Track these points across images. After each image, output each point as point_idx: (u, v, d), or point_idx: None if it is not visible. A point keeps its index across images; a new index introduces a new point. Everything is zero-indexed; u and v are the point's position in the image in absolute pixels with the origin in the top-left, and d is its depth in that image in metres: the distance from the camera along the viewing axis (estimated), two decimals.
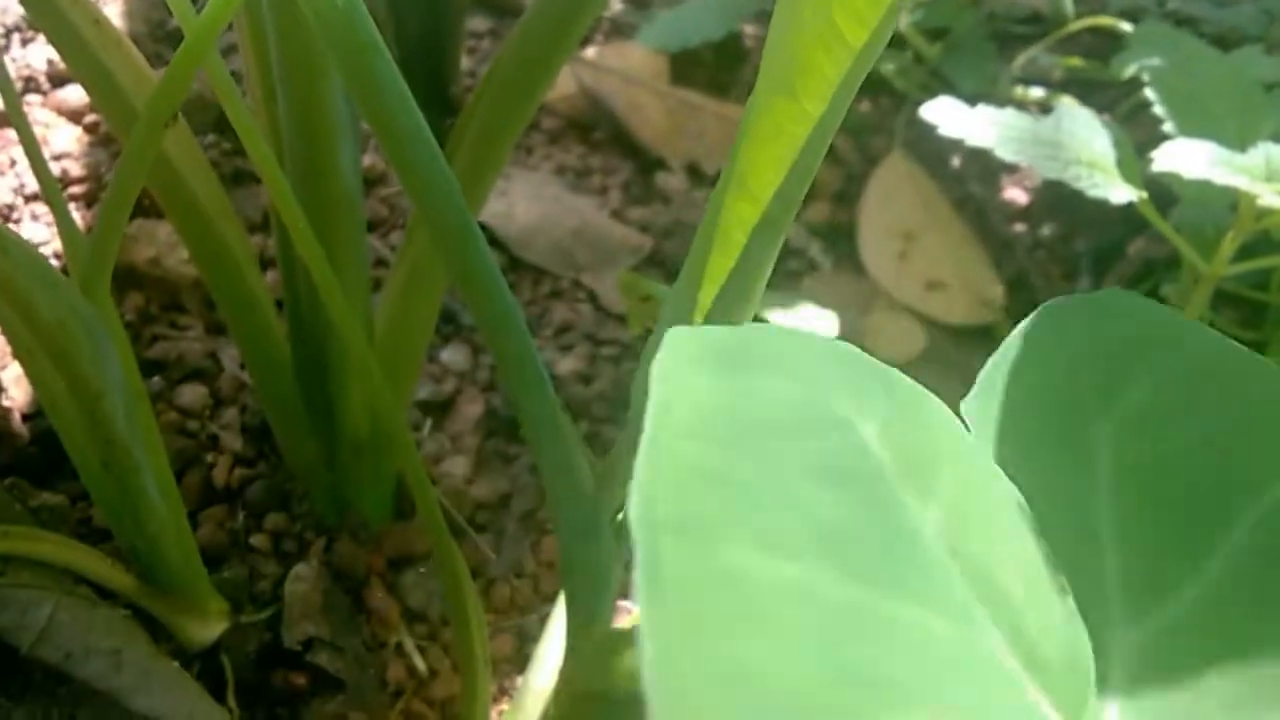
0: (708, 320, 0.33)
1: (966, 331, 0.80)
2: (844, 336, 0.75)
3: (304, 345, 0.58)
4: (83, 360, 0.42)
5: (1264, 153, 0.57)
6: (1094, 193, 0.60)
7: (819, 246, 0.85)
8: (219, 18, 0.34)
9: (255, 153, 0.38)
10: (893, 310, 0.81)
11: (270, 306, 0.56)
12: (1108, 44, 0.94)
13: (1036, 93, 0.91)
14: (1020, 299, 0.82)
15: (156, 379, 0.62)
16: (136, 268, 0.66)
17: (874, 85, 0.95)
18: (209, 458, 0.61)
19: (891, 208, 0.87)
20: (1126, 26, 0.89)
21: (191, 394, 0.62)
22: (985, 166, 0.90)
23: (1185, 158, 0.56)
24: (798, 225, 0.86)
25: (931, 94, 0.93)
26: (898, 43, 0.97)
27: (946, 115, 0.64)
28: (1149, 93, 0.64)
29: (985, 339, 0.80)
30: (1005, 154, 0.60)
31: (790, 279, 0.82)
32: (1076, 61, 0.91)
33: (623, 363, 0.74)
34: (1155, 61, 0.69)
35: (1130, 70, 0.71)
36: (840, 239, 0.85)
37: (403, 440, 0.48)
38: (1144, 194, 0.62)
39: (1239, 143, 0.59)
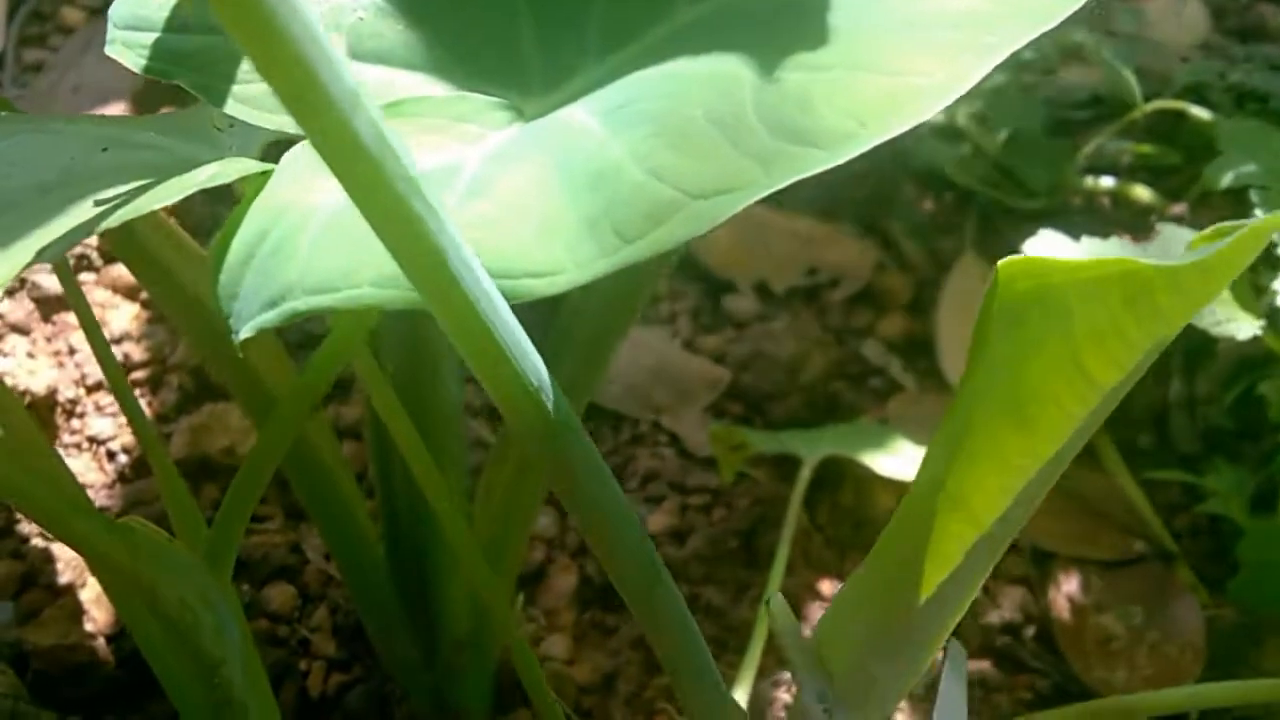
0: (917, 624, 0.30)
1: None
2: None
3: (399, 544, 0.55)
4: (204, 635, 0.39)
5: None
6: (1217, 330, 0.57)
7: (898, 364, 0.81)
8: (363, 324, 0.31)
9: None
10: None
11: (362, 508, 0.53)
12: (1170, 122, 0.91)
13: (1106, 183, 0.88)
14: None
15: (246, 587, 0.59)
16: (210, 458, 0.63)
17: (935, 182, 0.92)
18: (302, 665, 0.58)
19: (970, 316, 0.84)
20: (1196, 110, 0.86)
21: (279, 596, 0.59)
22: None
23: None
24: (874, 341, 0.83)
25: (999, 189, 0.90)
26: (954, 135, 0.94)
27: (1053, 251, 0.61)
28: (1258, 214, 0.61)
29: (1083, 456, 0.76)
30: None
31: (874, 400, 0.79)
32: (1148, 149, 0.88)
33: (714, 512, 0.70)
34: (1251, 169, 0.66)
35: (1226, 180, 0.68)
36: (919, 353, 0.82)
37: (514, 639, 0.46)
38: (1262, 323, 0.59)
39: None
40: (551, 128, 0.28)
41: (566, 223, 0.25)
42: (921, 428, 0.75)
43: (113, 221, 0.26)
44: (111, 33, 0.31)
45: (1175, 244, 0.61)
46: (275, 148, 0.30)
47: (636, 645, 0.63)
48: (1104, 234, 0.83)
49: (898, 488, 0.71)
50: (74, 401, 0.65)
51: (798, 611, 0.67)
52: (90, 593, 0.57)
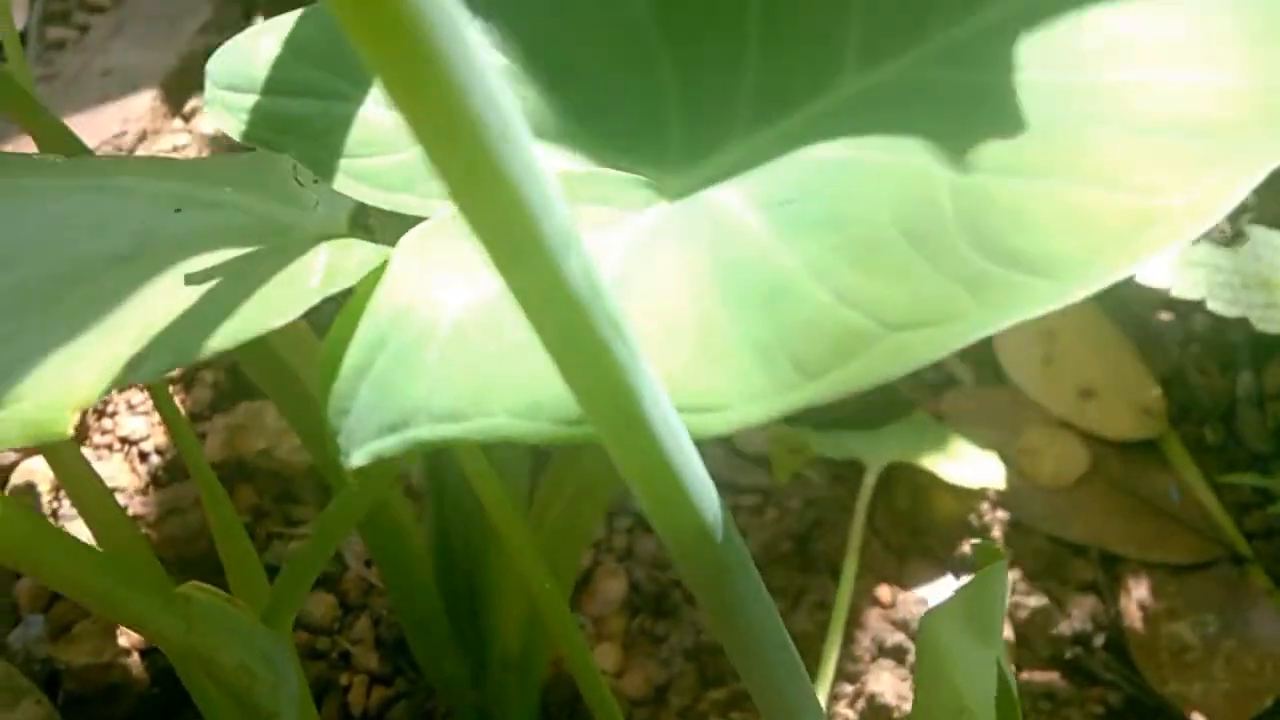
0: None
1: (1130, 446, 0.74)
2: (1002, 461, 0.69)
3: (449, 554, 0.52)
4: (260, 693, 0.37)
5: None
6: (1263, 326, 0.54)
7: (955, 357, 0.78)
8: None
9: None
10: (1047, 426, 0.74)
11: (408, 515, 0.51)
12: None
13: None
14: (1179, 400, 0.75)
15: None
16: (246, 460, 0.61)
17: None
18: (343, 679, 0.55)
19: None
20: None
21: (319, 606, 0.57)
22: None
23: None
24: None
25: None
26: None
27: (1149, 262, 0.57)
28: None
29: (1152, 454, 0.73)
30: (1218, 308, 0.54)
31: (930, 394, 0.76)
32: None
33: (766, 513, 0.68)
34: None
35: None
36: (976, 347, 0.79)
37: (582, 662, 0.43)
38: None
39: None
40: (701, 216, 0.24)
41: (731, 344, 0.21)
42: (978, 423, 0.72)
43: (225, 343, 0.23)
44: (210, 92, 0.27)
45: (1269, 248, 0.58)
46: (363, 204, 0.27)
47: (690, 655, 0.60)
48: None
49: (956, 491, 0.68)
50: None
51: (857, 620, 0.64)
52: None
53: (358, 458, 0.22)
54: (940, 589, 0.65)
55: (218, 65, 0.27)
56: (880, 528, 0.68)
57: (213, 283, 0.24)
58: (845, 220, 0.22)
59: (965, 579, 0.65)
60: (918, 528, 0.67)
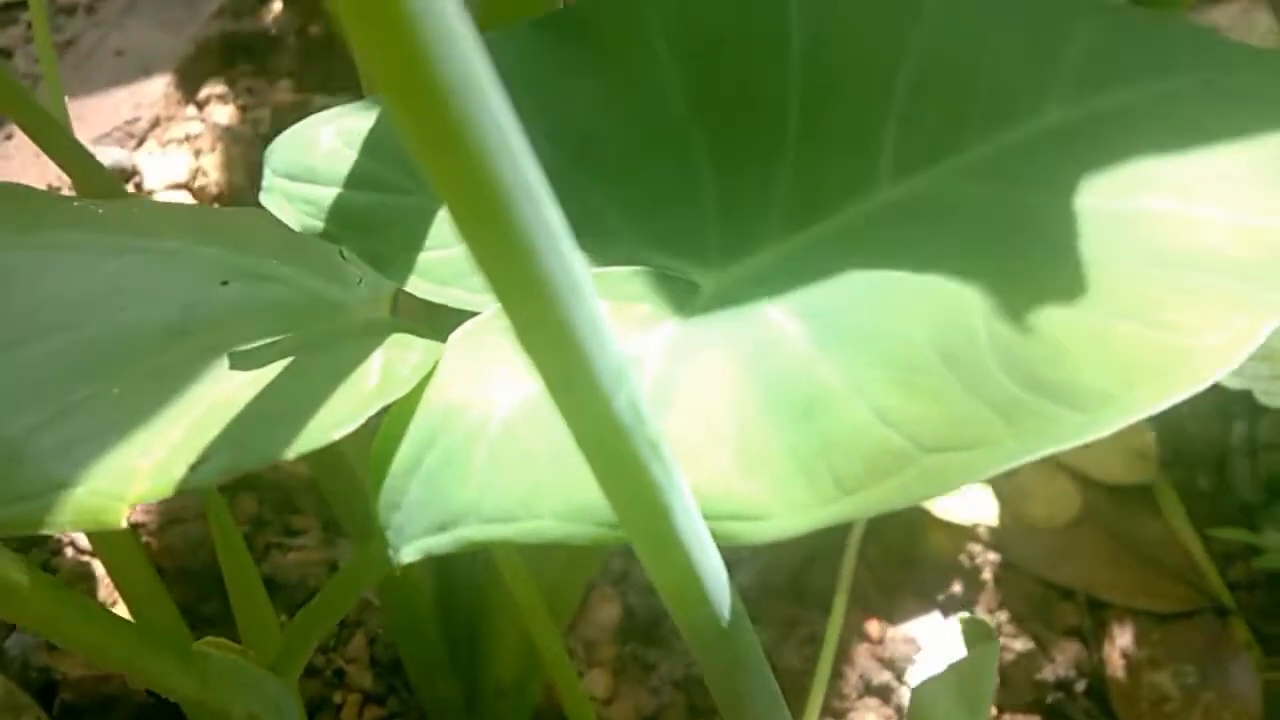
0: None
1: (1122, 490, 0.75)
2: (996, 500, 0.70)
3: (448, 577, 0.53)
4: None
5: None
6: (1265, 400, 0.54)
7: None
8: None
9: None
10: (1041, 466, 0.75)
11: None
12: None
13: None
14: (1172, 446, 0.76)
15: (283, 619, 0.57)
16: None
17: None
18: (336, 697, 0.56)
19: None
20: None
21: None
22: None
23: None
24: None
25: None
26: None
27: None
28: None
29: (1143, 499, 0.74)
30: (1226, 381, 0.54)
31: None
32: None
33: (759, 546, 0.68)
34: None
35: None
36: None
37: (571, 693, 0.44)
38: None
39: None
40: (740, 321, 0.24)
41: (772, 453, 0.22)
42: None
43: (287, 453, 0.23)
44: (269, 179, 0.27)
45: None
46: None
47: (680, 685, 0.61)
48: None
49: (948, 528, 0.68)
50: None
51: (845, 655, 0.65)
52: (122, 611, 0.56)
53: (408, 553, 0.23)
54: (928, 626, 0.66)
55: (277, 154, 0.27)
56: (872, 562, 0.68)
57: (266, 373, 0.25)
58: (883, 336, 0.23)
59: (953, 618, 0.66)
60: (909, 563, 0.68)
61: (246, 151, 0.78)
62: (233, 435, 0.23)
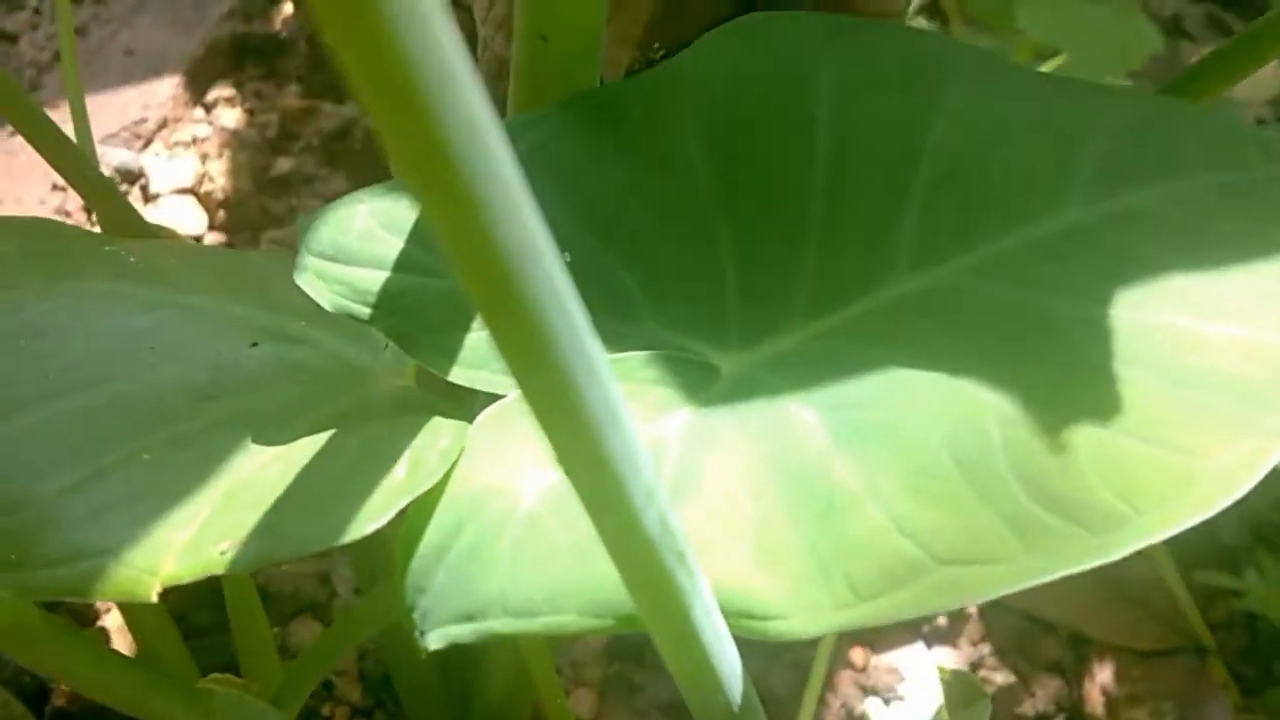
0: None
1: None
2: None
3: None
4: None
5: None
6: None
7: None
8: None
9: None
10: None
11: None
12: None
13: None
14: None
15: (276, 630, 0.58)
16: None
17: None
18: (325, 709, 0.57)
19: None
20: None
21: (305, 633, 0.58)
22: None
23: None
24: None
25: None
26: None
27: None
28: None
29: None
30: None
31: None
32: None
33: None
34: None
35: None
36: None
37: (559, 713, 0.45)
38: None
39: None
40: (759, 411, 0.25)
41: (790, 551, 0.22)
42: None
43: (316, 547, 0.23)
44: (304, 258, 0.27)
45: None
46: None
47: (665, 709, 0.62)
48: None
49: None
50: None
51: (828, 682, 0.66)
52: (114, 621, 0.56)
53: (434, 640, 0.24)
54: (912, 656, 0.67)
55: (311, 232, 0.28)
56: None
57: (294, 450, 0.25)
58: (900, 437, 0.23)
59: (936, 649, 0.67)
60: None
61: (253, 157, 0.78)
62: (267, 524, 0.23)
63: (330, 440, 0.25)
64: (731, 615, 0.22)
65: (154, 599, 0.23)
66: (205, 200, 0.76)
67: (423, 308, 0.26)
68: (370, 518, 0.23)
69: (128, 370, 0.27)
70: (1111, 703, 0.67)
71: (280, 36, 0.84)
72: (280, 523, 0.23)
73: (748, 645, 0.66)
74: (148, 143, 0.79)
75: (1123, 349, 0.24)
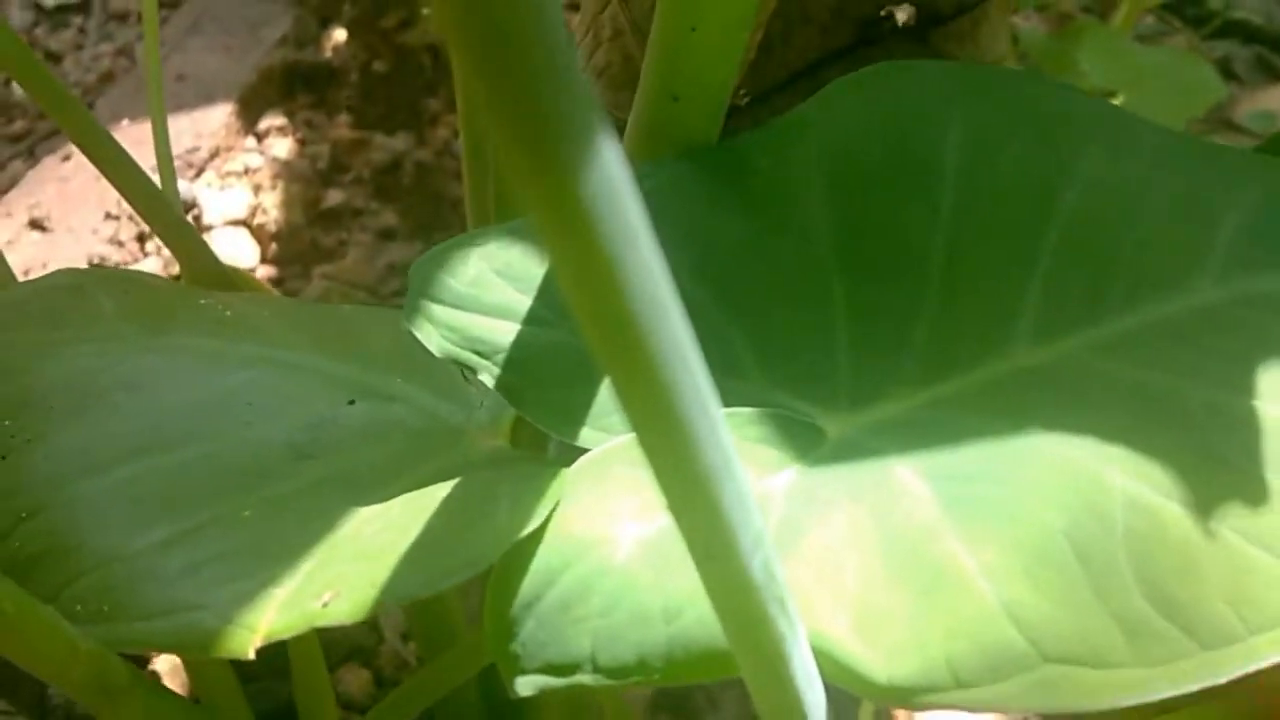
0: None
1: None
2: None
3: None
4: None
5: None
6: None
7: None
8: None
9: None
10: None
11: (454, 597, 0.51)
12: None
13: None
14: None
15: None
16: None
17: None
18: None
19: None
20: None
21: (354, 680, 0.57)
22: None
23: None
24: None
25: None
26: None
27: None
28: None
29: None
30: None
31: None
32: None
33: None
34: None
35: None
36: None
37: None
38: None
39: None
40: (867, 473, 0.24)
41: (891, 620, 0.21)
42: None
43: (422, 592, 0.23)
44: (414, 300, 0.27)
45: None
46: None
47: None
48: None
49: None
50: None
51: None
52: (166, 664, 0.55)
53: (524, 688, 0.23)
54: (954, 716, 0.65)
55: (422, 275, 0.27)
56: None
57: (393, 507, 0.25)
58: (1016, 515, 0.22)
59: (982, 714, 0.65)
60: None
61: (305, 190, 0.78)
62: (367, 574, 0.22)
63: (428, 493, 0.25)
64: (825, 674, 0.21)
65: (252, 655, 0.22)
66: (258, 233, 0.76)
67: (532, 359, 0.26)
68: (473, 562, 0.23)
69: (223, 427, 0.27)
70: None
71: (332, 65, 0.84)
72: (380, 572, 0.22)
73: None
74: (200, 172, 0.79)
75: (1258, 445, 0.23)
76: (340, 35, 0.86)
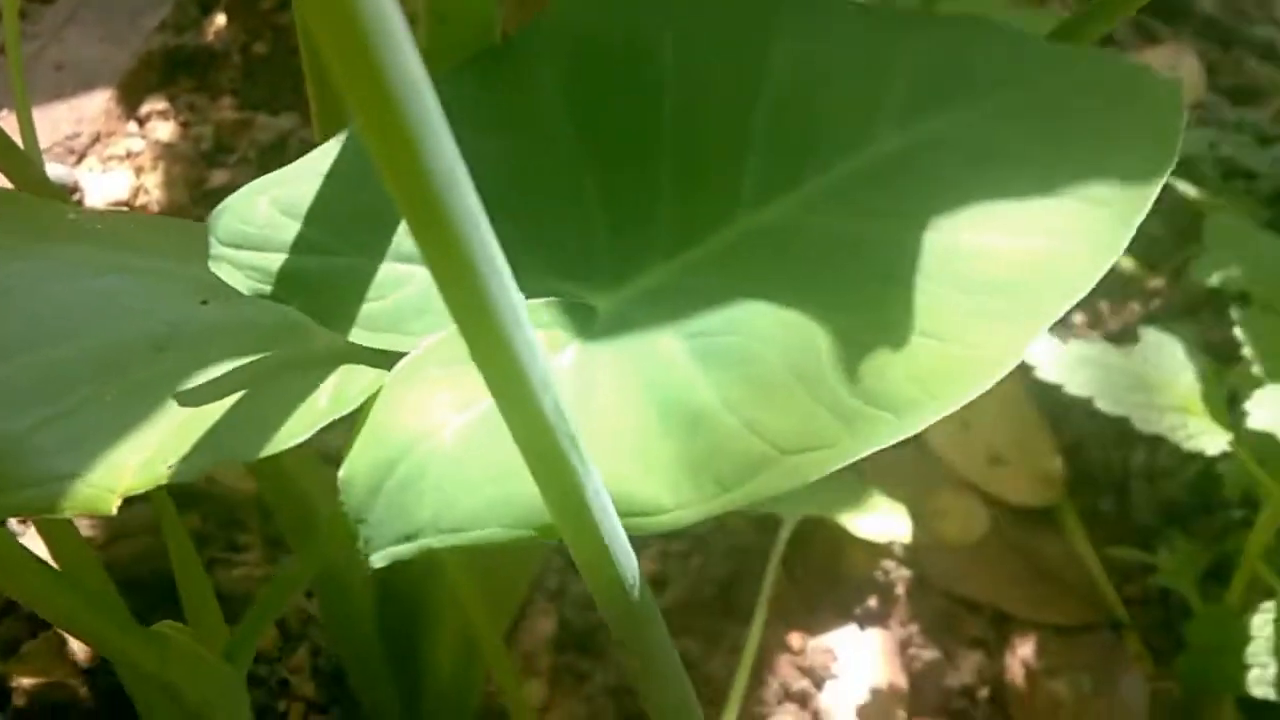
0: None
1: (1029, 512, 0.79)
2: (912, 519, 0.74)
3: (388, 586, 0.55)
4: (208, 706, 0.40)
5: None
6: (1189, 445, 0.59)
7: None
8: None
9: None
10: (956, 490, 0.79)
11: (351, 554, 0.53)
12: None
13: None
14: (1079, 471, 0.81)
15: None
16: (192, 487, 0.62)
17: None
18: (281, 705, 0.58)
19: None
20: (1183, 186, 0.88)
21: (261, 635, 0.59)
22: None
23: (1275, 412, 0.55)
24: None
25: None
26: None
27: (1045, 357, 0.62)
28: (1237, 332, 0.63)
29: (1048, 521, 0.79)
30: (1104, 407, 0.59)
31: None
32: None
33: (692, 559, 0.71)
34: (1235, 272, 0.68)
35: (1215, 280, 0.70)
36: None
37: (512, 693, 0.47)
38: (1231, 438, 0.61)
39: None
40: (635, 342, 0.29)
41: (665, 461, 0.26)
42: (895, 482, 0.76)
43: (249, 455, 0.26)
44: (215, 248, 0.30)
45: (1157, 351, 0.64)
46: None
47: (612, 693, 0.64)
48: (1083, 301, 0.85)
49: (867, 546, 0.72)
50: None
51: (768, 665, 0.68)
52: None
53: (378, 560, 0.27)
54: (845, 638, 0.69)
55: (219, 223, 0.30)
56: (799, 578, 0.72)
57: (239, 391, 0.28)
58: (749, 358, 0.28)
59: (869, 630, 0.70)
60: (832, 579, 0.72)
61: (188, 170, 0.79)
62: (209, 441, 0.26)
63: (268, 380, 0.28)
64: (622, 515, 0.26)
65: (113, 512, 0.25)
66: (141, 212, 0.77)
67: (330, 284, 0.30)
68: (293, 434, 0.27)
69: (93, 326, 0.29)
70: (1031, 675, 0.70)
71: (213, 48, 0.85)
72: (220, 441, 0.26)
73: (691, 628, 0.68)
74: (81, 157, 0.80)
75: (926, 266, 0.28)
76: (220, 19, 0.87)
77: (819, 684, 0.67)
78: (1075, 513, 0.79)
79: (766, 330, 0.28)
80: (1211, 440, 0.59)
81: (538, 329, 0.27)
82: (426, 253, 0.19)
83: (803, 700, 0.66)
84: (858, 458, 0.26)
